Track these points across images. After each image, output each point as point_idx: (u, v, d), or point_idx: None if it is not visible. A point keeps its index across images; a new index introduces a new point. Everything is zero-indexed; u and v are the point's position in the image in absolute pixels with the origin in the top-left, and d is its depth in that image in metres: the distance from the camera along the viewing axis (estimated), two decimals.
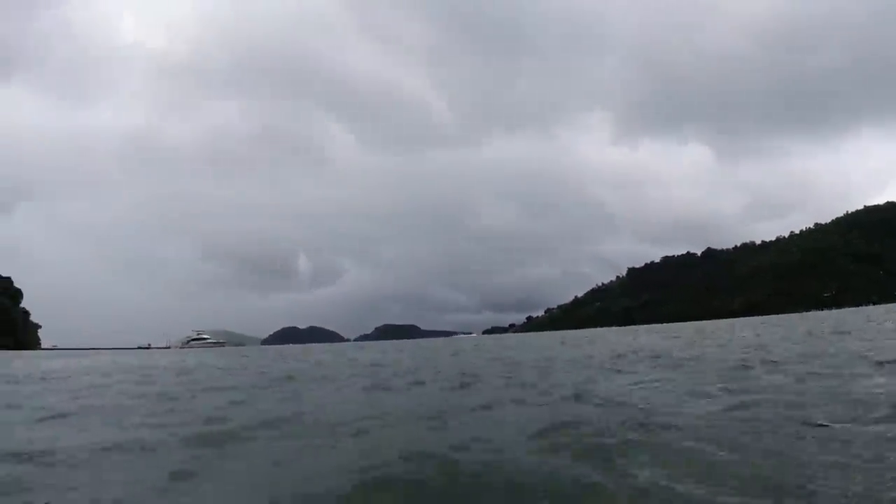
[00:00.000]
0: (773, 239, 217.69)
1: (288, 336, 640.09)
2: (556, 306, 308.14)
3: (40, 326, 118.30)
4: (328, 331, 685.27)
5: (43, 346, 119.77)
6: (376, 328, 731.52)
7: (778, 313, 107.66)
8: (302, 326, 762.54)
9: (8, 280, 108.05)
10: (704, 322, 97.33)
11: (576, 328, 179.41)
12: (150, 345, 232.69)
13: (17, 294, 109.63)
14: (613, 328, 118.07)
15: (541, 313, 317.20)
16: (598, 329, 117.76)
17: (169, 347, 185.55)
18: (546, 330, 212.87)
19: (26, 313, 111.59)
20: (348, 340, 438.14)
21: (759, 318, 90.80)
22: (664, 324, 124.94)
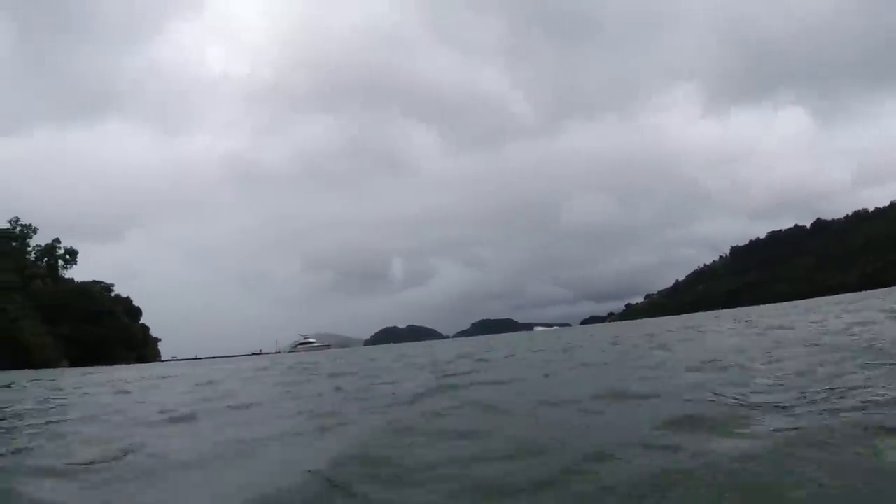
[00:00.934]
0: (888, 204, 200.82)
1: (389, 335, 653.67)
2: (655, 292, 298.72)
3: (160, 340, 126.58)
4: (427, 328, 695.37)
5: (163, 359, 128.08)
6: (473, 324, 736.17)
7: None
8: (401, 326, 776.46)
9: (127, 300, 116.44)
10: (830, 298, 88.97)
11: (677, 314, 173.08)
12: (261, 350, 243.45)
13: (137, 312, 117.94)
14: (714, 312, 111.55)
15: (640, 300, 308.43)
16: (696, 314, 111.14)
17: (279, 352, 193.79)
18: (645, 317, 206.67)
19: (146, 329, 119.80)
20: (447, 337, 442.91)
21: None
22: (778, 303, 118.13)
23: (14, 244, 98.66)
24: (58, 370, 66.16)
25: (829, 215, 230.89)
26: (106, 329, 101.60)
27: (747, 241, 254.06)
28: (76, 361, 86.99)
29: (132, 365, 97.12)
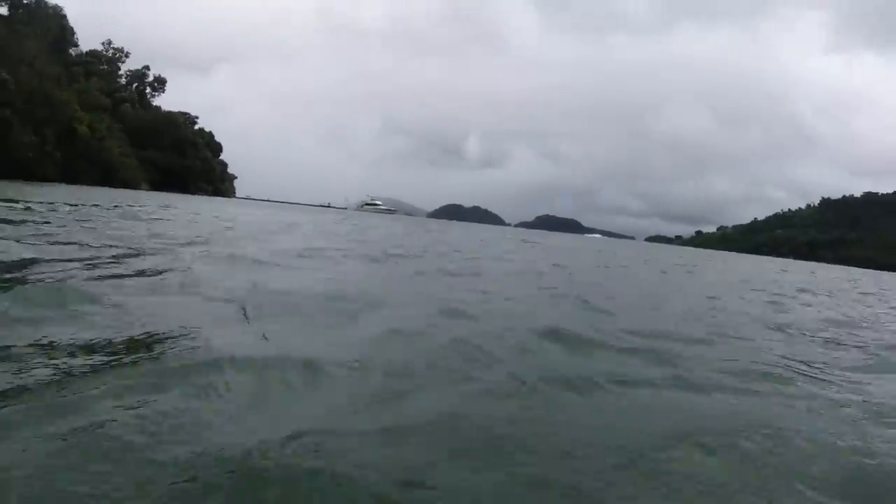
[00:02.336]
0: None
1: (452, 212, 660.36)
2: (730, 225, 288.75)
3: (236, 178, 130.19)
4: (491, 213, 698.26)
5: (238, 196, 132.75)
6: (538, 217, 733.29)
7: None
8: (467, 205, 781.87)
9: (210, 134, 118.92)
10: None
11: (747, 253, 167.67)
12: (329, 204, 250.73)
13: (218, 147, 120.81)
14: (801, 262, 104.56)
15: (713, 230, 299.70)
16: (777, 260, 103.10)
17: (346, 209, 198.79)
18: (715, 248, 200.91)
19: (224, 165, 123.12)
20: (509, 225, 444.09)
21: None
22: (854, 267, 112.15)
23: (105, 67, 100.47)
24: (145, 192, 69.62)
25: None
26: (187, 159, 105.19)
27: (841, 196, 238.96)
28: (156, 186, 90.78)
29: (220, 198, 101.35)
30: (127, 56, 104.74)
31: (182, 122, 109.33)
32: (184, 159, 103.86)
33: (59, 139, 68.38)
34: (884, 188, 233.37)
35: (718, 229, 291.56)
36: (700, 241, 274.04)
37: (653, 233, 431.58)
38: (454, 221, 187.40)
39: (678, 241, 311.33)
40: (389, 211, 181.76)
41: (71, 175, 68.55)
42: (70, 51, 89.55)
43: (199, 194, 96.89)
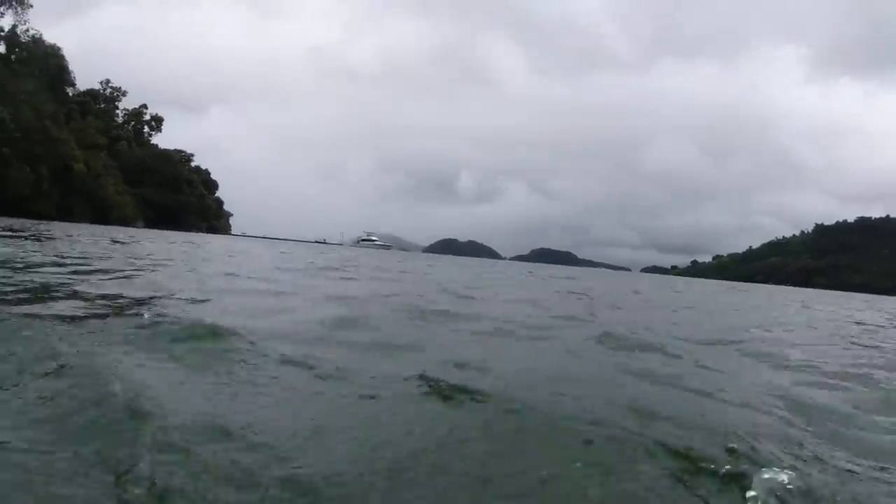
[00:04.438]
0: None
1: (448, 247, 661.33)
2: (725, 254, 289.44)
3: (232, 215, 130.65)
4: (486, 247, 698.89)
5: (233, 233, 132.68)
6: (533, 250, 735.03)
7: None
8: (462, 240, 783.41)
9: (206, 172, 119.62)
10: None
11: (744, 281, 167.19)
12: (325, 240, 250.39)
13: (213, 184, 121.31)
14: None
15: (708, 259, 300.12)
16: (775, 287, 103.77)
17: (342, 244, 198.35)
18: (712, 277, 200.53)
19: (220, 202, 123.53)
20: (504, 259, 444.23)
21: None
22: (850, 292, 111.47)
23: (102, 105, 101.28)
24: (143, 230, 69.29)
25: None
26: (183, 196, 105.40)
27: (834, 222, 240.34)
28: (151, 223, 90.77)
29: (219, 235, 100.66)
30: (124, 95, 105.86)
31: (178, 160, 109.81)
32: (179, 196, 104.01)
33: (54, 176, 68.48)
34: (874, 213, 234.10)
35: (714, 258, 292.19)
36: (696, 270, 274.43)
37: (647, 264, 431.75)
38: (453, 256, 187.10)
39: (674, 271, 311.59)
40: (385, 246, 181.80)
41: (65, 212, 68.48)
42: (67, 89, 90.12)
43: (193, 231, 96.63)
